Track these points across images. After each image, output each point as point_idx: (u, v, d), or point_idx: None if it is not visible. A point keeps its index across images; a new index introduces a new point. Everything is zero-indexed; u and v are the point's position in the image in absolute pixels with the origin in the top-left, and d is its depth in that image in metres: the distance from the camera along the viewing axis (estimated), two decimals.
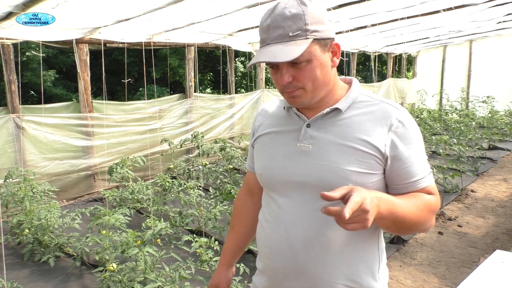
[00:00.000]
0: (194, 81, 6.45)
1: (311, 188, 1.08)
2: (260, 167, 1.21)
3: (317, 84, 1.05)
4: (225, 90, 7.49)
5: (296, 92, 1.05)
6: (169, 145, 5.60)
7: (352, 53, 9.24)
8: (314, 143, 1.09)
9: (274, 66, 1.06)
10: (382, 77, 11.34)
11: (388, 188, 1.12)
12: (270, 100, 7.68)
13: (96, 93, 9.76)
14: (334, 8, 4.76)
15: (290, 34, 0.99)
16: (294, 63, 1.01)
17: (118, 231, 3.17)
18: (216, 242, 2.82)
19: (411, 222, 1.03)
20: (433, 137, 6.60)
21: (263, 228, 1.21)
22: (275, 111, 1.24)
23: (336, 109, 1.10)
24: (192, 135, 5.66)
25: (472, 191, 5.12)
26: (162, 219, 3.42)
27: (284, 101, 1.18)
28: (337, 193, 0.88)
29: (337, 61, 1.09)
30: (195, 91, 6.51)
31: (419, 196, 1.07)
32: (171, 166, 5.68)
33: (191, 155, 6.36)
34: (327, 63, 1.05)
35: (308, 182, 1.08)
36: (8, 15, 3.53)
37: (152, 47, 5.23)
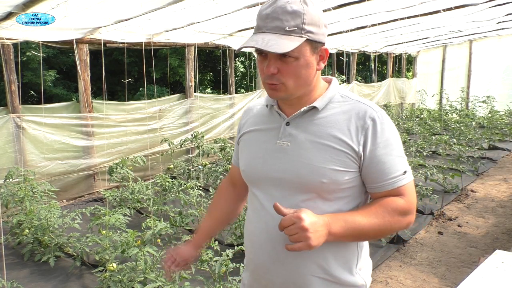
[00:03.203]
0: (194, 81, 6.45)
1: (288, 184, 1.12)
2: (243, 163, 1.25)
3: (298, 83, 1.09)
4: (225, 90, 7.49)
5: (277, 86, 1.09)
6: (169, 145, 5.60)
7: (352, 53, 9.24)
8: (292, 140, 1.13)
9: (263, 54, 1.09)
10: (382, 77, 11.34)
11: (366, 188, 1.16)
12: None
13: (96, 93, 9.76)
14: (334, 8, 4.76)
15: (287, 28, 1.03)
16: (282, 57, 1.05)
17: (118, 231, 3.17)
18: (216, 242, 2.82)
19: (373, 232, 1.09)
20: (433, 137, 6.61)
21: (247, 223, 1.27)
22: (259, 110, 1.28)
23: (314, 107, 1.13)
24: (192, 135, 5.66)
25: (472, 191, 5.12)
26: (162, 219, 3.42)
27: (267, 99, 1.23)
28: (286, 211, 1.00)
29: (323, 65, 1.13)
30: (195, 91, 6.51)
31: (382, 204, 1.10)
32: (171, 166, 5.68)
33: (191, 155, 6.36)
34: (312, 64, 1.09)
35: (286, 179, 1.12)
36: (8, 15, 3.53)
37: (152, 47, 5.23)
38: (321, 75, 1.20)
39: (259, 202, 1.19)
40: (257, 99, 1.37)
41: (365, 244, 1.24)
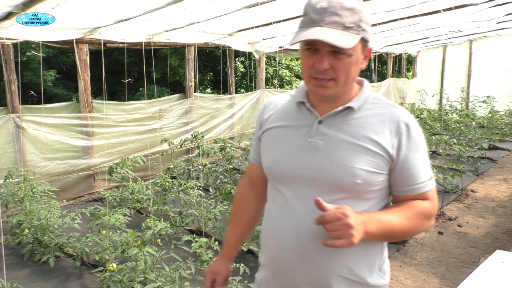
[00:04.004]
0: (194, 81, 6.45)
1: (319, 183, 1.11)
2: (268, 159, 1.22)
3: (348, 79, 1.08)
4: (225, 90, 7.49)
5: (328, 83, 1.07)
6: (169, 145, 5.59)
7: None
8: (325, 139, 1.11)
9: (312, 49, 1.06)
10: (382, 77, 11.34)
11: (391, 190, 1.17)
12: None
13: (96, 93, 9.76)
14: None
15: (346, 24, 1.02)
16: (335, 53, 1.04)
17: (118, 231, 3.17)
18: (216, 242, 2.82)
19: (402, 233, 1.12)
20: (433, 137, 6.59)
21: (269, 221, 1.23)
22: (285, 105, 1.25)
23: (349, 108, 1.13)
24: (192, 135, 5.66)
25: (472, 191, 5.11)
26: (162, 219, 3.42)
27: (297, 96, 1.20)
28: (329, 206, 0.98)
29: (365, 64, 1.13)
30: (195, 91, 6.51)
31: (411, 206, 1.12)
32: (171, 166, 5.68)
33: (191, 155, 6.35)
34: (360, 62, 1.10)
35: (317, 177, 1.11)
36: (8, 15, 3.53)
37: (152, 47, 5.23)
38: None
39: (285, 199, 1.16)
40: (281, 94, 1.33)
41: (386, 245, 1.25)
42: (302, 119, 1.17)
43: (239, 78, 12.45)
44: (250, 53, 7.15)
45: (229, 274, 1.43)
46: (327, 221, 0.97)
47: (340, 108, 1.12)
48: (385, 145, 1.08)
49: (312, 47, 1.06)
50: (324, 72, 1.05)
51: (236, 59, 11.95)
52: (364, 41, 1.07)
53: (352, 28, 1.03)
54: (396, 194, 1.16)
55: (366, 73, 11.25)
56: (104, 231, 3.20)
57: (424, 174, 1.12)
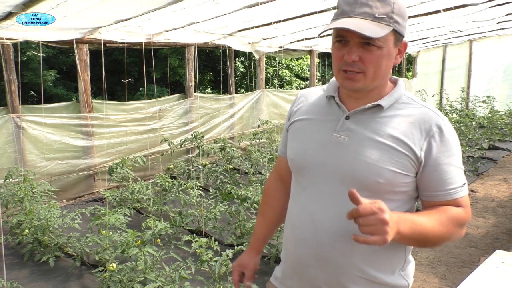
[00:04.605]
0: (194, 81, 6.45)
1: (341, 179, 1.08)
2: (292, 152, 1.20)
3: (378, 74, 1.05)
4: (225, 90, 7.49)
5: (357, 76, 1.05)
6: (169, 145, 5.60)
7: None
8: (351, 135, 1.09)
9: (342, 42, 1.05)
10: None
11: (419, 195, 1.12)
12: (270, 100, 7.69)
13: (96, 93, 9.76)
14: (334, 8, 4.75)
15: (377, 15, 1.00)
16: (366, 44, 1.02)
17: (118, 231, 3.17)
18: (216, 242, 2.82)
19: (434, 239, 1.04)
20: None
21: (290, 215, 1.22)
22: (315, 99, 1.23)
23: (378, 105, 1.09)
24: (192, 135, 5.66)
25: (472, 191, 5.11)
26: (162, 219, 3.42)
27: (328, 90, 1.18)
28: (363, 200, 0.90)
29: (400, 60, 1.10)
30: (195, 91, 6.51)
31: (445, 211, 1.06)
32: (171, 166, 5.68)
33: (191, 155, 6.35)
34: (393, 56, 1.07)
35: (339, 173, 1.08)
36: (8, 15, 3.53)
37: (152, 47, 5.23)
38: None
39: (305, 194, 1.15)
40: (313, 87, 1.31)
41: (411, 249, 1.20)
42: (329, 113, 1.15)
43: (239, 78, 12.45)
44: (250, 53, 7.15)
45: (258, 267, 1.41)
46: (361, 215, 0.89)
47: (369, 105, 1.09)
48: (413, 146, 1.04)
49: (343, 39, 1.04)
50: (352, 64, 1.03)
51: (236, 59, 11.94)
52: (397, 33, 1.04)
53: (383, 19, 1.00)
54: (424, 199, 1.11)
55: None
56: (104, 231, 3.20)
57: (456, 180, 1.07)
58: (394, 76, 1.19)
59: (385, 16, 1.01)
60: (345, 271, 1.10)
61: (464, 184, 1.10)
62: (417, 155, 1.05)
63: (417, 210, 1.13)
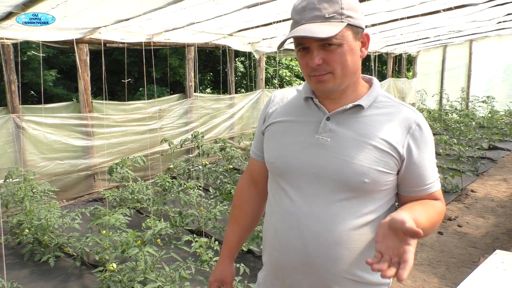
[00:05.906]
0: (194, 81, 6.45)
1: (326, 181, 1.08)
2: (272, 155, 1.18)
3: (346, 70, 1.05)
4: (225, 90, 7.49)
5: (325, 76, 1.05)
6: (169, 145, 5.60)
7: None
8: (333, 136, 1.09)
9: (304, 49, 1.06)
10: (382, 77, 11.33)
11: (399, 190, 1.14)
12: None
13: (96, 93, 9.76)
14: None
15: (326, 15, 1.02)
16: (325, 46, 1.03)
17: (118, 231, 3.17)
18: (216, 242, 2.82)
19: (429, 230, 1.05)
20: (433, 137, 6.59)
21: (271, 220, 1.19)
22: (291, 100, 1.22)
23: (358, 105, 1.10)
24: (192, 135, 5.66)
25: (472, 191, 5.11)
26: (162, 219, 3.42)
27: (304, 91, 1.18)
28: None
29: (365, 52, 1.11)
30: (195, 91, 6.51)
31: (432, 204, 1.09)
32: (171, 166, 5.68)
33: (191, 155, 6.36)
34: (356, 50, 1.07)
35: (324, 175, 1.08)
36: (8, 15, 3.53)
37: (152, 47, 5.23)
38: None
39: (288, 197, 1.13)
40: (287, 88, 1.33)
41: None
42: (309, 114, 1.15)
43: (239, 78, 12.44)
44: (250, 53, 7.15)
45: (233, 275, 1.39)
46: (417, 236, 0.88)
47: (350, 105, 1.09)
48: (395, 144, 1.06)
49: (303, 46, 1.06)
50: (318, 68, 1.04)
51: (236, 59, 11.94)
52: (354, 27, 1.04)
53: (334, 17, 1.01)
54: (403, 195, 1.13)
55: (366, 73, 11.24)
56: (104, 231, 3.20)
57: (433, 174, 1.11)
58: (367, 75, 1.20)
59: (335, 14, 1.02)
60: (332, 274, 1.09)
61: (438, 177, 1.14)
62: (399, 153, 1.07)
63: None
